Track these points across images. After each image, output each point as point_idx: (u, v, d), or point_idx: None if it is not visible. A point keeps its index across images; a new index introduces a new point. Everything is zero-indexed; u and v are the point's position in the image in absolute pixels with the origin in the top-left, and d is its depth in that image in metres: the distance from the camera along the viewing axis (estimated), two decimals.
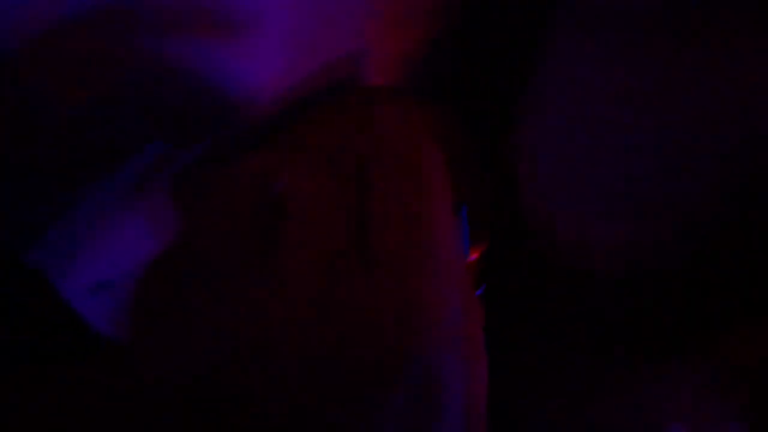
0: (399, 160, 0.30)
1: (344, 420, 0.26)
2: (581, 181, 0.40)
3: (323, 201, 0.29)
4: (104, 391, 0.27)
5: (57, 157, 0.31)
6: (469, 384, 0.31)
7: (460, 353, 0.28)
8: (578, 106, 0.39)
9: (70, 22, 0.29)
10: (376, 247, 0.28)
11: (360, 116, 0.33)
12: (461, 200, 0.38)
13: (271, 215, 0.29)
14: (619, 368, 0.42)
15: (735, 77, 0.36)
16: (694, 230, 0.39)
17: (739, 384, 0.40)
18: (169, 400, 0.26)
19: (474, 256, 0.41)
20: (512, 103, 0.41)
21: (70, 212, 0.32)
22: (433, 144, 0.31)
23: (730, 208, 0.38)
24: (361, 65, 0.36)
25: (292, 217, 0.29)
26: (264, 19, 0.32)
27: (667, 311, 0.42)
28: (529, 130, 0.41)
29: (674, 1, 0.37)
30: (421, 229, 0.28)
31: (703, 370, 0.41)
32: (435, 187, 0.30)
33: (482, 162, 0.41)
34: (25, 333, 0.31)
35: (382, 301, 0.27)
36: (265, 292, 0.27)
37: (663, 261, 0.40)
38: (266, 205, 0.30)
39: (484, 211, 0.41)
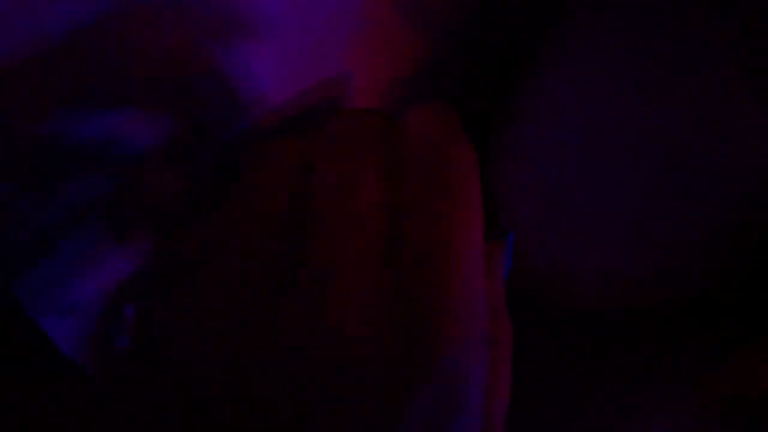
0: (433, 161, 0.30)
1: (373, 421, 0.26)
2: (568, 210, 0.39)
3: (357, 197, 0.29)
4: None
5: (34, 166, 0.31)
6: (493, 385, 0.32)
7: (486, 355, 0.28)
8: (566, 130, 0.39)
9: (79, 22, 0.29)
10: (408, 247, 0.28)
11: (392, 117, 0.33)
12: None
13: (305, 207, 0.29)
14: (595, 394, 0.42)
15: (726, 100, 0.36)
16: (684, 262, 0.38)
17: (718, 411, 0.40)
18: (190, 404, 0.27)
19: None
20: (497, 130, 0.41)
21: (44, 234, 0.31)
22: (468, 147, 0.30)
23: (724, 234, 0.37)
24: (349, 87, 0.36)
25: (324, 214, 0.29)
26: (257, 37, 0.32)
27: (650, 333, 0.42)
28: (514, 162, 0.40)
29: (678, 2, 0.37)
30: (451, 229, 0.28)
31: (682, 396, 0.41)
32: (469, 191, 0.29)
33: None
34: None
35: (410, 304, 0.27)
36: (303, 293, 0.27)
37: (651, 291, 0.40)
38: (302, 195, 0.30)
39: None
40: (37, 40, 0.29)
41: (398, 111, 0.34)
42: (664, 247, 0.38)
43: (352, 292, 0.27)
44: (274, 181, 0.30)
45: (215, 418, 0.26)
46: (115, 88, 0.30)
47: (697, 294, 0.39)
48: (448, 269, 0.28)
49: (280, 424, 0.26)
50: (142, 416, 0.27)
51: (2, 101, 0.29)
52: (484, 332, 0.28)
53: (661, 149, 0.37)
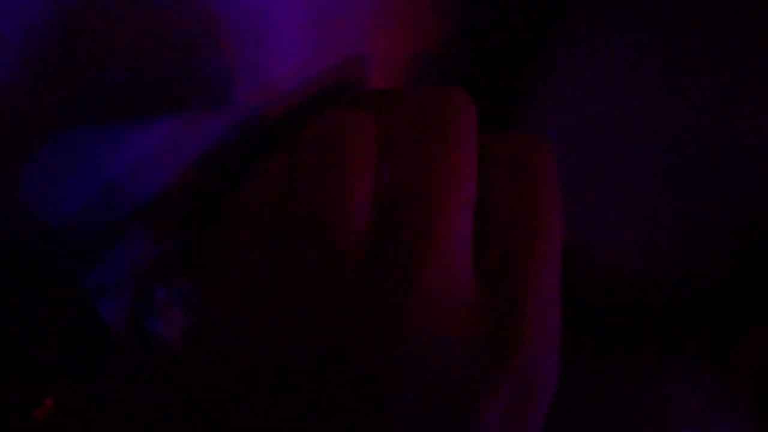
0: (514, 160, 0.30)
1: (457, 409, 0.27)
2: (591, 185, 0.39)
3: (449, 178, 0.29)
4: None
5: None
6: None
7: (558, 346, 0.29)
8: (590, 107, 0.39)
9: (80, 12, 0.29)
10: (491, 247, 0.29)
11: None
12: None
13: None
14: (624, 371, 0.41)
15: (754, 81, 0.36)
16: (705, 234, 0.38)
17: (747, 387, 0.40)
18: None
19: None
20: (520, 104, 0.40)
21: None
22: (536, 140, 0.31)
23: (746, 210, 0.38)
24: (368, 67, 0.36)
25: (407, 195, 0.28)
26: (274, 19, 0.32)
27: (673, 313, 0.41)
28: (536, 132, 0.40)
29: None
30: (536, 231, 0.29)
31: (710, 373, 0.40)
32: (549, 195, 0.30)
33: None
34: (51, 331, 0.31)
35: (499, 295, 0.28)
36: (389, 276, 0.27)
37: (674, 263, 0.40)
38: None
39: None
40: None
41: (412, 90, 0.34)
42: (685, 223, 0.38)
43: (443, 281, 0.27)
44: (352, 159, 0.29)
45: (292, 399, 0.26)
46: (117, 74, 0.30)
47: (720, 269, 0.39)
48: (536, 264, 0.28)
49: (360, 402, 0.26)
50: (141, 416, 0.28)
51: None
52: (558, 323, 0.29)
53: (682, 132, 0.37)
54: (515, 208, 0.29)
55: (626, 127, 0.38)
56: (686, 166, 0.38)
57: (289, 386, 0.27)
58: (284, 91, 0.33)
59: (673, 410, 0.40)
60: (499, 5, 0.39)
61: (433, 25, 0.37)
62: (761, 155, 0.37)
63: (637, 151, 0.39)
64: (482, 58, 0.39)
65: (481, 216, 0.29)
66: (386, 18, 0.36)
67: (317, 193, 0.28)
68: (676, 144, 0.38)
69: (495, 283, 0.28)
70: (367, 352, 0.27)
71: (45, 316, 0.30)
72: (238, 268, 0.29)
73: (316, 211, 0.28)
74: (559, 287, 0.29)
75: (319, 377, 0.27)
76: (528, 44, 0.41)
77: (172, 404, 0.28)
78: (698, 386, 0.41)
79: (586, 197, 0.40)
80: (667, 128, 0.38)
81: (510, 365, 0.27)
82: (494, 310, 0.27)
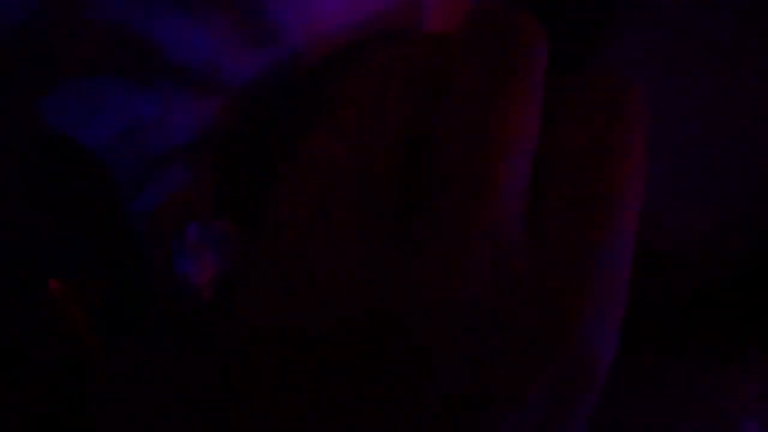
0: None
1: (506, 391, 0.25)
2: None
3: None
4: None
5: None
6: None
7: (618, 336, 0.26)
8: (654, 79, 0.37)
9: None
10: (555, 202, 0.26)
11: None
12: None
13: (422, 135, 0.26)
14: (683, 359, 0.40)
15: None
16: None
17: None
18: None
19: None
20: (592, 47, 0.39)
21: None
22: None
23: None
24: (422, 9, 0.34)
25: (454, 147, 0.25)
26: None
27: (734, 300, 0.40)
28: None
29: None
30: (612, 186, 0.26)
31: None
32: (634, 145, 0.26)
33: None
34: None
35: (553, 280, 0.25)
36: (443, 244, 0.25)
37: (735, 244, 0.38)
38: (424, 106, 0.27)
39: None
40: None
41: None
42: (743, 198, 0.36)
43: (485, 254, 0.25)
44: (380, 99, 0.27)
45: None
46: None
47: None
48: (606, 232, 0.25)
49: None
50: (141, 417, 0.27)
51: None
52: (622, 307, 0.26)
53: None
54: (590, 156, 0.26)
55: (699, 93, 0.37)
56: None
57: (320, 353, 0.25)
58: (332, 30, 0.32)
59: (732, 399, 0.39)
60: None
61: None
62: None
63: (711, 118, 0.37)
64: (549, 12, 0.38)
65: (548, 165, 0.26)
66: None
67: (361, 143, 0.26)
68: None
69: (555, 249, 0.25)
70: (416, 321, 0.24)
71: (45, 316, 0.30)
72: (286, 221, 0.27)
73: (357, 163, 0.26)
74: (630, 263, 0.26)
75: (356, 344, 0.25)
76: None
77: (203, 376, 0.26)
78: (758, 375, 0.39)
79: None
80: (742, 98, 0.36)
81: (560, 352, 0.25)
82: (551, 281, 0.25)
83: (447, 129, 0.26)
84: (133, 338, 0.30)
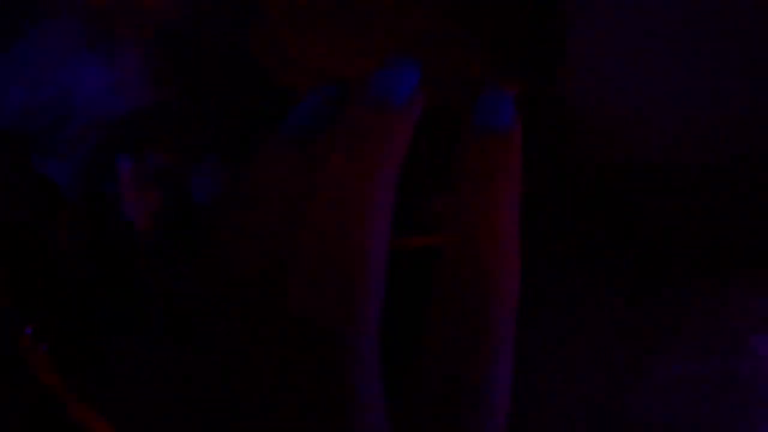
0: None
1: None
2: (635, 68, 0.36)
3: None
4: None
5: None
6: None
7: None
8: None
9: None
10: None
11: None
12: None
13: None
14: (693, 278, 0.38)
15: None
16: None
17: None
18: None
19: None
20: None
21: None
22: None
23: None
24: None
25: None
26: None
27: (743, 217, 0.38)
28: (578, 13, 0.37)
29: None
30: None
31: None
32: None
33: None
34: None
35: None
36: None
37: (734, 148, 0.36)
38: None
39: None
40: None
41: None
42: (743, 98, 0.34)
43: None
44: None
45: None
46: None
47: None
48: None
49: None
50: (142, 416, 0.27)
51: None
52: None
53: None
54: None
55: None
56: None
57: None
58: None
59: (741, 316, 0.37)
60: None
61: None
62: None
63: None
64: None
65: None
66: None
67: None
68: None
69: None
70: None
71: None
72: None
73: None
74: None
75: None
76: None
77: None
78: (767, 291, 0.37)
79: (635, 78, 0.36)
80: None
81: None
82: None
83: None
84: (133, 338, 0.30)
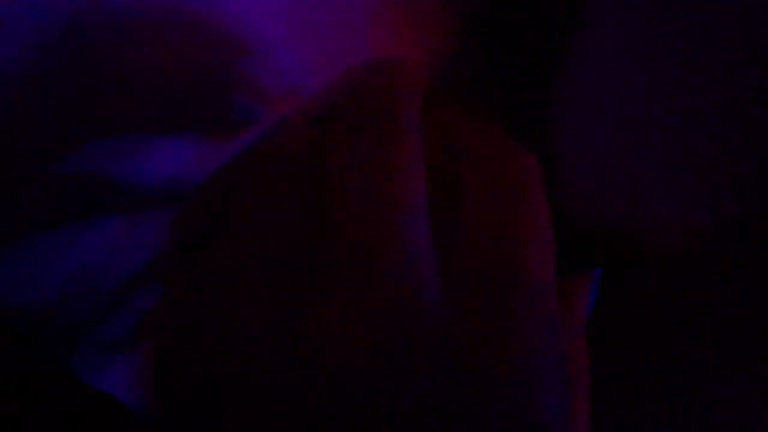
0: (491, 164, 0.28)
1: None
2: (633, 150, 0.36)
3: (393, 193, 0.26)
4: None
5: None
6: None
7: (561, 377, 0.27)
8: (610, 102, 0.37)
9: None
10: (462, 265, 0.26)
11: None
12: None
13: (318, 205, 0.27)
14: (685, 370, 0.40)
15: None
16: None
17: None
18: None
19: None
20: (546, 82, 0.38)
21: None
22: (520, 149, 0.29)
23: None
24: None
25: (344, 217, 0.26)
26: (275, 27, 0.31)
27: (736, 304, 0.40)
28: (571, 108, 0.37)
29: None
30: (515, 245, 0.26)
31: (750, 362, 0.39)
32: (531, 196, 0.27)
33: None
34: None
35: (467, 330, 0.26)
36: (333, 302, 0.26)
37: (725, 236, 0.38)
38: (314, 192, 0.28)
39: None
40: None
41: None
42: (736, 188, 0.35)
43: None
44: (281, 177, 0.28)
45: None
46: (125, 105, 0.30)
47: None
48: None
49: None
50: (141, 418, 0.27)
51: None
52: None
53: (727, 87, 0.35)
54: (494, 234, 0.26)
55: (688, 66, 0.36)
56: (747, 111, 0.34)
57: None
58: (293, 102, 0.33)
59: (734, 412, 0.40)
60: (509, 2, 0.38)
61: (446, 23, 0.37)
62: None
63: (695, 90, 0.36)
64: (494, 57, 0.38)
65: (450, 223, 0.27)
66: (386, 23, 0.35)
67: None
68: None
69: (470, 316, 0.26)
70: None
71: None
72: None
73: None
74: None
75: None
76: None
77: None
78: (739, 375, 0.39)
79: (632, 162, 0.37)
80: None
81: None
82: (469, 345, 0.25)
83: (337, 210, 0.27)
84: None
